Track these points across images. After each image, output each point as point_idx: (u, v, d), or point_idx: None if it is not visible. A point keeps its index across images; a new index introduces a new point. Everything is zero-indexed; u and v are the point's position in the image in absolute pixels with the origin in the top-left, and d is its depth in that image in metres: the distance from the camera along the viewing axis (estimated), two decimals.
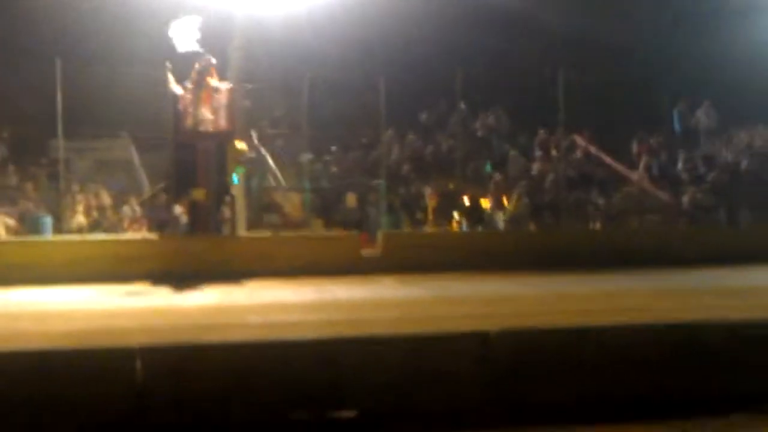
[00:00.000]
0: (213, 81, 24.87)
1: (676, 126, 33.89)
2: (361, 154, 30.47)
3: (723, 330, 11.24)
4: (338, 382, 10.07)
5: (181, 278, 22.00)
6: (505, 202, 28.32)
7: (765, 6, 32.24)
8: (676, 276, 22.67)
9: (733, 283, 21.39)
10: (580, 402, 10.17)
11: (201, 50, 24.79)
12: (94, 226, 25.72)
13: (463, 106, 29.93)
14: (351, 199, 27.67)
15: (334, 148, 30.51)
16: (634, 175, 30.61)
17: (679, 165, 31.34)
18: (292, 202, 27.54)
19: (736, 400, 10.12)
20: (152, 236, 24.91)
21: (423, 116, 32.65)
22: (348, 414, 10.03)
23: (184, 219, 25.03)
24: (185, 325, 15.98)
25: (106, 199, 26.72)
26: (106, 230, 25.60)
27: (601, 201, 29.13)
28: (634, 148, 32.06)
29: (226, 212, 25.01)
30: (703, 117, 33.49)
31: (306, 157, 28.12)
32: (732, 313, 15.20)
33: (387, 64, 27.36)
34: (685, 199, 29.57)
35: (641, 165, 31.06)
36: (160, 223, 25.43)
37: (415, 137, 31.52)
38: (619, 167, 31.04)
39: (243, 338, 12.38)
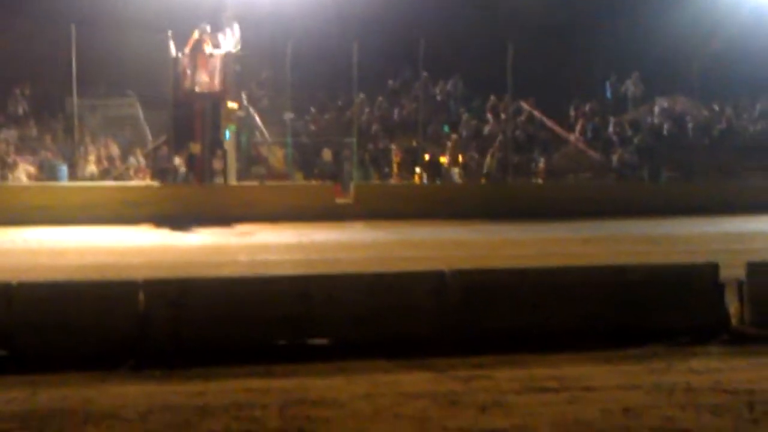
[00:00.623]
0: (208, 48, 24.72)
1: (608, 94, 33.96)
2: (337, 114, 30.36)
3: (644, 272, 11.32)
4: (313, 313, 10.09)
5: (180, 221, 21.92)
6: (460, 158, 28.37)
7: None
8: (605, 225, 22.74)
9: (653, 232, 21.51)
10: (521, 332, 10.23)
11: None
12: (104, 174, 25.60)
13: (425, 74, 29.82)
14: (327, 154, 27.60)
15: (313, 109, 30.39)
16: (571, 137, 30.69)
17: (610, 128, 31.40)
18: (276, 156, 27.49)
19: (656, 333, 10.19)
20: (155, 184, 24.78)
21: (390, 83, 32.52)
22: (321, 341, 10.07)
23: (182, 169, 24.93)
24: (183, 262, 15.98)
25: (115, 151, 26.59)
26: (115, 178, 25.49)
27: (542, 159, 29.20)
28: (572, 113, 32.11)
29: (219, 164, 24.93)
30: (631, 87, 33.53)
31: (288, 116, 28.00)
32: (652, 257, 15.35)
33: (359, 36, 27.16)
34: (614, 158, 29.68)
35: (577, 128, 31.13)
36: (162, 172, 25.32)
37: (383, 101, 31.43)
38: (558, 130, 31.09)
39: (233, 274, 12.38)
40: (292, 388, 8.33)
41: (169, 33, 24.59)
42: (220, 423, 7.35)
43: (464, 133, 29.79)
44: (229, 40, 25.17)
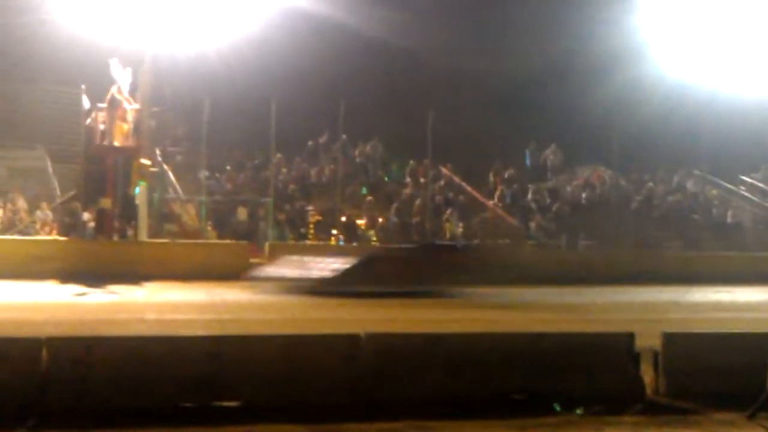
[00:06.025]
0: (124, 103, 24.67)
1: (527, 162, 34.54)
2: (253, 173, 30.36)
3: (559, 340, 11.43)
4: (224, 375, 10.00)
5: (87, 277, 21.54)
6: (380, 221, 28.59)
7: (606, 68, 32.80)
8: (522, 292, 22.76)
9: (570, 300, 21.70)
10: (435, 398, 10.23)
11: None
12: (8, 227, 25.16)
13: (344, 136, 30.09)
14: (242, 213, 27.56)
15: (228, 167, 30.35)
16: (490, 203, 31.07)
17: (529, 196, 31.88)
18: (189, 213, 27.32)
19: (571, 402, 10.26)
20: (62, 239, 24.42)
21: (309, 143, 32.67)
22: (231, 404, 9.97)
23: (91, 224, 24.64)
24: (89, 320, 15.70)
25: (21, 204, 26.15)
26: (21, 232, 25.04)
27: (461, 224, 29.47)
28: (491, 179, 32.55)
29: (130, 220, 24.74)
30: (550, 155, 34.21)
31: (203, 173, 27.97)
32: (568, 326, 15.49)
33: (279, 94, 27.32)
34: (532, 225, 30.09)
35: (496, 194, 31.55)
36: (70, 227, 24.99)
37: (301, 161, 31.54)
38: (477, 195, 31.46)
39: (140, 333, 12.23)
40: None
41: (83, 87, 24.52)
42: None
43: (382, 196, 30.03)
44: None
